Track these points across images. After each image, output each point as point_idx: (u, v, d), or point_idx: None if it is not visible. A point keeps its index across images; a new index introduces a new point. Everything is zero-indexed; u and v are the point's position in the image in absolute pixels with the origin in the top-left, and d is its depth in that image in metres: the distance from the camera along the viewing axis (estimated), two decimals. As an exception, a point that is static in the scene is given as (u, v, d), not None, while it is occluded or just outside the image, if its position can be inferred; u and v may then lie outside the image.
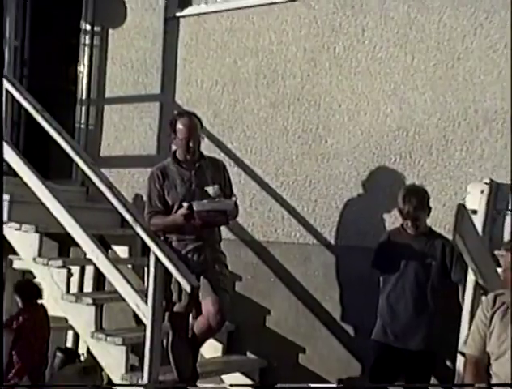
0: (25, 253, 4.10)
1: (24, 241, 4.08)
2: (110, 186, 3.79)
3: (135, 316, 3.73)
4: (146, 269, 3.77)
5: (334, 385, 3.88)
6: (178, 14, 4.71)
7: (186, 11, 4.69)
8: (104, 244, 4.34)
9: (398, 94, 3.96)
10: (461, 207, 3.06)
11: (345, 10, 4.12)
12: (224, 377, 4.25)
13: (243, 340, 4.33)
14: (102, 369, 3.99)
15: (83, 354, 4.56)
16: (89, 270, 4.58)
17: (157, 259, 3.47)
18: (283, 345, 4.21)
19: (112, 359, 3.77)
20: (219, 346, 4.31)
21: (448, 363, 3.57)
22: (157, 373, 3.53)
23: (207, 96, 4.57)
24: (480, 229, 3.22)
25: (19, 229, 4.07)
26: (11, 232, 4.08)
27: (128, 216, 3.64)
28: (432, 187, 3.75)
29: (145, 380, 3.51)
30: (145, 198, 3.68)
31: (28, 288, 4.32)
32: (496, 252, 3.11)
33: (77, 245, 3.88)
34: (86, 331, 3.87)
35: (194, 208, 3.39)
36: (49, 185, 3.99)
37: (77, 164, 4.04)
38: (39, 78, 5.25)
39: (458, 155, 3.79)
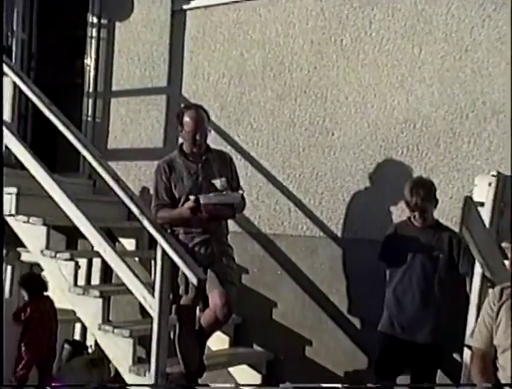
0: (33, 245, 4.11)
1: (32, 234, 4.09)
2: (117, 179, 3.79)
3: (142, 308, 3.75)
4: (153, 262, 3.78)
5: (339, 385, 3.88)
6: (185, 6, 4.70)
7: (193, 4, 4.68)
8: (111, 237, 4.36)
9: (406, 86, 3.94)
10: (468, 200, 3.05)
11: (352, 2, 4.10)
12: (230, 369, 4.26)
13: (250, 333, 4.34)
14: (109, 361, 4.01)
15: (90, 346, 4.58)
16: (96, 262, 4.60)
17: (164, 252, 3.48)
18: (289, 338, 4.22)
19: (119, 351, 3.78)
20: (226, 338, 4.33)
21: (455, 356, 3.56)
22: (164, 365, 3.55)
23: (214, 89, 4.56)
24: (487, 222, 3.21)
25: (27, 222, 4.08)
26: (19, 225, 4.10)
27: (135, 209, 3.64)
28: (439, 180, 3.74)
29: (152, 372, 3.52)
30: (152, 191, 3.68)
31: (34, 281, 4.34)
32: (503, 244, 3.10)
33: (84, 237, 3.89)
34: (93, 323, 3.89)
35: (201, 201, 3.39)
36: (56, 178, 4.00)
37: (84, 157, 4.04)
38: (46, 71, 5.26)
39: (466, 147, 3.77)
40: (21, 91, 4.37)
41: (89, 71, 5.02)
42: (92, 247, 3.91)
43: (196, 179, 3.55)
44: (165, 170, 3.57)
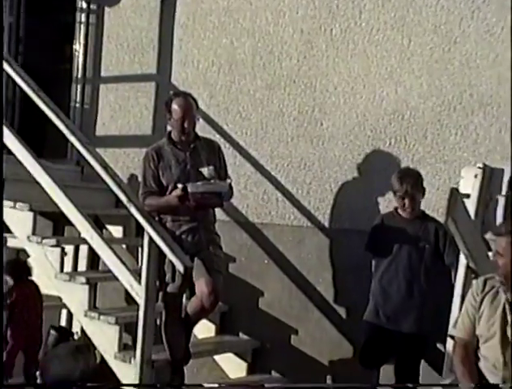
0: (19, 231, 4.09)
1: (18, 220, 4.07)
2: (105, 166, 3.78)
3: (127, 295, 3.75)
4: (140, 249, 3.78)
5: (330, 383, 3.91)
6: (175, -7, 4.68)
7: (183, -9, 4.65)
8: (98, 224, 4.35)
9: (395, 77, 3.95)
10: (454, 191, 3.07)
11: (343, -9, 4.10)
12: (216, 357, 4.28)
13: (236, 321, 4.35)
14: (95, 348, 4.01)
15: (76, 333, 4.58)
16: (83, 249, 4.58)
17: (151, 240, 3.48)
18: (275, 326, 4.24)
19: (105, 338, 3.78)
20: (212, 326, 4.34)
21: (439, 346, 3.59)
22: (150, 352, 3.55)
23: (203, 77, 4.55)
24: (472, 213, 3.24)
25: (14, 207, 4.06)
26: (5, 210, 4.07)
27: (122, 196, 3.64)
28: (426, 171, 3.76)
29: (138, 359, 3.53)
30: (140, 179, 3.67)
31: (18, 267, 4.33)
32: (487, 236, 3.13)
33: (71, 224, 3.88)
34: (79, 309, 3.89)
35: (189, 190, 3.39)
36: (43, 163, 3.97)
37: (72, 144, 4.02)
38: (34, 55, 5.21)
39: (453, 139, 3.79)
40: (8, 76, 4.34)
41: (78, 57, 4.98)
42: (79, 234, 3.90)
43: (184, 167, 3.55)
44: (153, 158, 3.56)
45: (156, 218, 3.57)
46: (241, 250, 4.35)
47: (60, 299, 4.08)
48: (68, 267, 4.44)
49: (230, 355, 4.27)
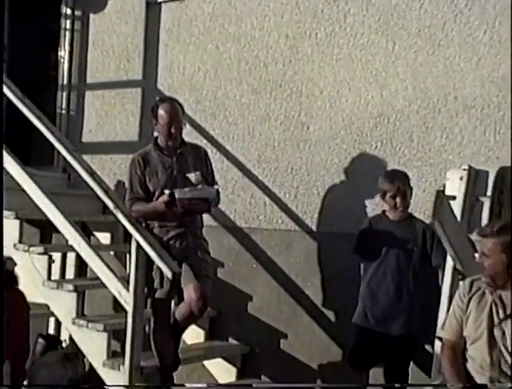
0: (5, 239, 4.06)
1: (4, 228, 4.04)
2: (92, 173, 3.77)
3: (115, 302, 3.73)
4: (128, 256, 3.77)
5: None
6: (160, -1, 4.69)
7: (168, -4, 4.66)
8: (85, 230, 4.34)
9: (380, 81, 3.98)
10: (440, 194, 3.09)
11: (327, -4, 4.12)
12: (205, 363, 4.27)
13: (225, 326, 4.35)
14: (84, 356, 3.99)
15: (65, 341, 4.55)
16: (71, 256, 4.56)
17: (139, 246, 3.47)
18: (264, 331, 4.24)
19: (93, 345, 3.77)
20: (201, 332, 4.33)
21: (427, 348, 3.61)
22: (139, 359, 3.54)
23: (189, 83, 4.55)
24: (458, 215, 3.26)
25: (0, 216, 4.04)
26: (-9, 219, 4.06)
27: (109, 203, 3.63)
28: (412, 173, 3.77)
29: (126, 366, 3.52)
30: (126, 185, 3.67)
31: (4, 276, 4.30)
32: (472, 237, 3.15)
33: (58, 231, 3.86)
34: (67, 317, 3.87)
35: (176, 196, 3.38)
36: (29, 171, 3.96)
37: (58, 151, 4.00)
38: (19, 63, 5.19)
39: (438, 141, 3.82)
40: (-7, 84, 4.31)
41: (63, 64, 4.97)
42: (67, 241, 3.89)
43: (171, 173, 3.55)
44: (140, 164, 3.55)
45: (143, 224, 3.56)
46: (229, 254, 4.35)
47: (48, 307, 4.05)
48: (56, 275, 4.41)
49: (219, 360, 4.26)
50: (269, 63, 4.30)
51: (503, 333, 2.61)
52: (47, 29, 5.45)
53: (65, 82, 4.96)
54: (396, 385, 3.53)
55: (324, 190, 4.13)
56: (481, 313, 2.66)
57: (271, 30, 4.29)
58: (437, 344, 3.02)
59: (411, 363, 3.61)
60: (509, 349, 2.58)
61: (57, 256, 4.45)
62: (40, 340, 4.46)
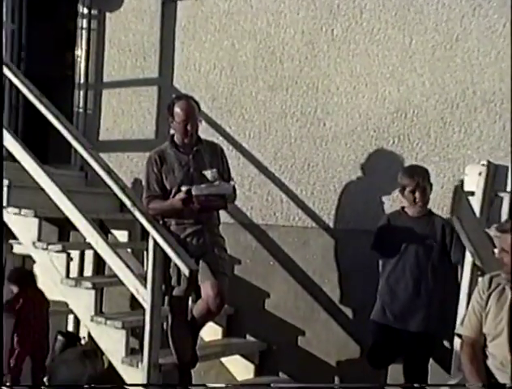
0: (24, 237, 4.10)
1: (24, 226, 4.08)
2: (109, 171, 3.78)
3: (132, 300, 3.74)
4: (145, 253, 3.78)
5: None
6: (175, -4, 4.69)
7: (184, -6, 4.66)
8: (103, 228, 4.36)
9: (397, 76, 3.95)
10: (458, 189, 3.06)
11: (343, -9, 4.10)
12: (223, 360, 4.28)
13: (242, 323, 4.35)
14: (103, 353, 4.01)
15: (83, 338, 4.59)
16: (89, 254, 4.59)
17: (156, 243, 3.48)
18: (282, 328, 4.23)
19: (112, 342, 3.79)
20: (219, 329, 4.34)
21: (447, 344, 3.58)
22: (157, 356, 3.55)
23: (205, 80, 4.55)
24: (477, 211, 3.23)
25: (19, 214, 4.07)
26: (11, 217, 4.09)
27: (127, 201, 3.64)
28: (430, 169, 3.73)
29: (145, 363, 3.53)
30: (143, 183, 3.68)
31: (23, 275, 4.34)
32: (490, 233, 3.11)
33: (77, 229, 3.89)
34: (86, 314, 3.89)
35: (193, 193, 3.38)
36: (47, 169, 3.98)
37: (76, 149, 4.03)
38: (36, 62, 5.23)
39: (457, 137, 3.78)
40: (12, 83, 4.35)
41: (80, 62, 5.00)
42: (84, 239, 3.91)
43: (187, 170, 3.55)
44: (156, 161, 3.56)
45: (160, 222, 3.57)
46: (246, 251, 4.35)
47: (66, 304, 4.08)
48: (74, 273, 4.44)
49: (237, 357, 4.27)
50: (285, 60, 4.29)
51: (524, 329, 2.58)
52: (64, 28, 5.49)
53: (82, 80, 4.98)
54: (415, 385, 3.51)
55: (341, 186, 4.11)
56: (501, 309, 2.63)
57: (287, 26, 4.28)
58: (457, 340, 2.99)
59: (431, 360, 3.58)
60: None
61: (75, 254, 4.49)
62: (60, 337, 4.51)
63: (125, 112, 4.85)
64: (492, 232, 3.05)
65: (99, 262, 4.48)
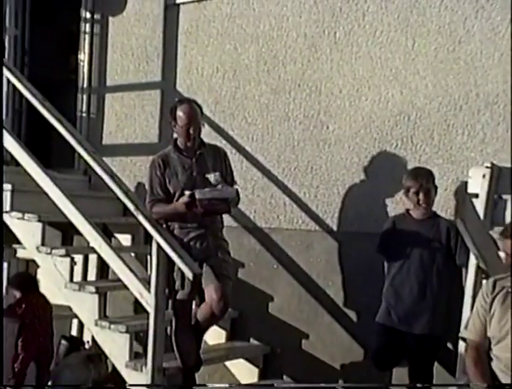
0: (28, 242, 4.11)
1: (27, 230, 4.09)
2: (112, 175, 3.79)
3: (135, 304, 3.74)
4: (149, 257, 3.78)
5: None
6: (178, 1, 4.69)
7: (186, -2, 4.67)
8: (106, 232, 4.36)
9: (400, 79, 3.94)
10: (461, 191, 3.06)
11: (345, -6, 4.10)
12: (227, 363, 4.27)
13: (246, 327, 4.34)
14: (107, 357, 4.02)
15: (87, 342, 4.59)
16: (92, 258, 4.60)
17: (159, 247, 3.48)
18: (286, 331, 4.22)
19: (116, 346, 3.79)
20: (223, 333, 4.34)
21: (452, 347, 3.57)
22: (161, 360, 3.55)
23: (208, 84, 4.56)
24: (481, 213, 3.22)
25: (22, 218, 4.08)
26: (14, 222, 4.10)
27: (130, 205, 3.64)
28: (433, 172, 3.73)
29: (149, 367, 3.53)
30: (147, 187, 3.68)
31: (26, 280, 4.35)
32: (494, 235, 3.10)
33: (80, 233, 3.89)
34: (90, 319, 3.89)
35: (196, 196, 3.38)
36: (50, 174, 3.99)
37: (79, 153, 4.03)
38: (40, 66, 5.25)
39: (460, 139, 3.78)
40: (15, 88, 4.36)
41: (83, 67, 5.01)
42: (88, 243, 3.91)
43: (190, 174, 3.55)
44: (160, 165, 3.56)
45: (164, 225, 3.57)
46: (250, 255, 4.35)
47: (70, 309, 4.08)
48: (78, 277, 4.45)
49: (241, 361, 4.26)
50: (287, 63, 4.29)
51: (529, 332, 2.57)
52: (67, 33, 5.51)
53: (85, 84, 5.00)
54: (418, 385, 3.50)
55: (344, 189, 4.11)
56: (506, 312, 2.62)
57: (290, 30, 4.28)
58: (461, 344, 2.98)
59: (436, 363, 3.57)
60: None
61: (78, 258, 4.50)
62: (63, 342, 4.52)
63: (128, 116, 4.86)
64: (495, 234, 3.04)
65: (102, 267, 4.48)
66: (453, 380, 3.28)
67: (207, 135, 3.97)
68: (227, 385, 4.24)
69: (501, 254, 2.78)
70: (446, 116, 3.81)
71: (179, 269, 3.45)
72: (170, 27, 4.71)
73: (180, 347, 3.60)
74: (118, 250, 3.92)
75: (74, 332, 4.84)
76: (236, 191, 3.52)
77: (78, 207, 3.82)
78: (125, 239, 4.67)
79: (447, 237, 3.51)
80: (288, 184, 4.28)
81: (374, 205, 3.99)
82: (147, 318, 3.54)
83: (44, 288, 4.37)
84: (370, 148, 4.03)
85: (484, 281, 2.84)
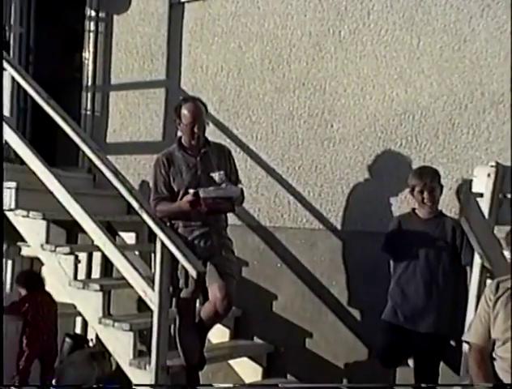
0: (33, 240, 4.12)
1: (32, 228, 4.10)
2: (116, 173, 3.79)
3: (139, 302, 3.74)
4: (153, 255, 3.79)
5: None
6: (183, -1, 4.70)
7: (191, -4, 4.67)
8: (111, 230, 4.37)
9: (404, 77, 3.93)
10: (466, 190, 3.05)
11: (350, -7, 4.09)
12: (231, 362, 4.27)
13: (250, 325, 4.34)
14: (110, 355, 4.02)
15: (91, 340, 4.59)
16: (96, 256, 4.61)
17: (163, 245, 3.48)
18: (289, 330, 4.22)
19: (120, 344, 3.79)
20: (227, 331, 4.34)
21: (457, 346, 3.56)
22: (165, 358, 3.55)
23: (212, 82, 4.55)
24: (486, 213, 3.20)
25: (27, 216, 4.08)
26: (19, 220, 4.11)
27: (134, 203, 3.64)
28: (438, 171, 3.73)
29: (153, 365, 3.53)
30: (151, 185, 3.68)
31: (31, 278, 4.36)
32: (498, 235, 3.09)
33: (84, 231, 3.89)
34: (94, 317, 3.89)
35: (201, 195, 3.38)
36: (55, 172, 4.00)
37: (83, 151, 4.04)
38: (44, 65, 5.25)
39: (465, 138, 3.77)
40: (20, 86, 4.37)
41: (87, 65, 5.02)
42: (92, 241, 3.91)
43: (195, 172, 3.55)
44: (164, 164, 3.56)
45: (168, 224, 3.57)
46: (254, 253, 4.35)
47: (74, 307, 4.09)
48: (82, 275, 4.46)
49: (245, 359, 4.26)
50: (292, 61, 4.28)
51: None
52: (71, 31, 5.52)
53: (89, 83, 5.00)
54: (423, 385, 3.49)
55: (348, 188, 4.10)
56: (510, 314, 2.60)
57: (294, 28, 4.28)
58: (465, 345, 2.97)
59: (442, 363, 3.56)
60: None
61: (83, 256, 4.50)
62: (67, 340, 4.53)
63: (132, 114, 4.86)
64: (500, 234, 3.03)
65: (106, 265, 4.49)
66: (458, 379, 3.26)
67: (212, 134, 3.97)
68: (231, 385, 4.24)
69: (507, 254, 2.77)
70: (451, 115, 3.81)
71: (183, 267, 3.46)
72: (175, 26, 4.71)
73: (183, 345, 3.60)
74: (122, 248, 3.92)
75: (78, 330, 4.85)
76: (241, 190, 3.51)
77: (82, 205, 3.82)
78: (129, 237, 4.67)
79: (453, 236, 3.50)
80: (293, 182, 4.27)
81: (378, 204, 3.99)
82: (151, 317, 3.55)
83: (49, 285, 4.38)
84: (375, 147, 4.02)
85: (488, 283, 2.83)
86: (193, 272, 3.38)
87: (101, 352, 4.27)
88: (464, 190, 3.20)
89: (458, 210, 3.57)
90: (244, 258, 4.30)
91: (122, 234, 4.69)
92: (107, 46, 4.95)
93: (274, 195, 4.34)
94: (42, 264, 4.36)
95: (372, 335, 3.75)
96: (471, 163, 3.71)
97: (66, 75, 5.44)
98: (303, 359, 4.18)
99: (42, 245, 4.05)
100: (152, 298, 3.53)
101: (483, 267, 3.17)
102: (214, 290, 3.43)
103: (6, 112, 4.55)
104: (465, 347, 3.02)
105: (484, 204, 3.21)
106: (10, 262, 4.94)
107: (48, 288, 4.38)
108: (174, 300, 3.59)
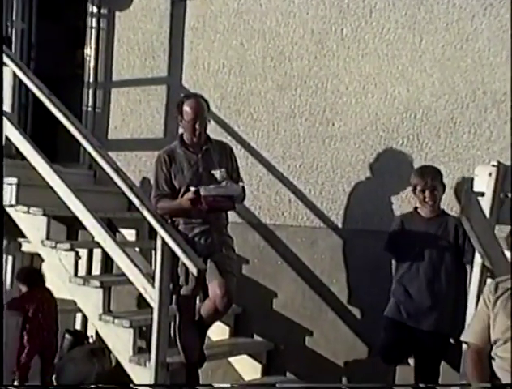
0: (33, 236, 4.12)
1: (32, 224, 4.10)
2: (117, 170, 3.79)
3: (139, 299, 3.73)
4: (153, 252, 3.79)
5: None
6: (185, -4, 4.69)
7: (193, -7, 4.66)
8: (111, 227, 4.36)
9: (406, 76, 3.93)
10: (466, 188, 3.04)
11: (353, -9, 4.08)
12: (230, 359, 4.28)
13: (250, 323, 4.34)
14: (110, 352, 4.02)
15: (91, 336, 4.59)
16: (97, 253, 4.60)
17: (164, 242, 3.48)
18: (289, 328, 4.22)
19: (119, 341, 3.79)
20: (227, 329, 4.34)
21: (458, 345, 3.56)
22: (164, 355, 3.55)
23: (214, 79, 4.55)
24: (487, 212, 3.20)
25: (27, 212, 4.08)
26: (19, 215, 4.11)
27: (135, 200, 3.65)
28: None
29: (152, 362, 3.53)
30: (152, 182, 3.68)
31: (31, 274, 4.36)
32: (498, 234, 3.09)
33: (85, 228, 3.89)
34: (94, 313, 3.90)
35: (201, 193, 3.38)
36: (56, 168, 4.00)
37: (84, 148, 4.04)
38: (46, 61, 5.25)
39: (466, 137, 3.76)
40: (21, 82, 4.36)
41: (89, 61, 5.01)
42: (93, 237, 3.91)
43: (196, 170, 3.55)
44: (165, 161, 3.56)
45: (169, 221, 3.57)
46: (254, 251, 4.35)
47: (74, 303, 4.09)
48: (82, 271, 4.46)
49: (245, 357, 4.26)
50: (294, 59, 4.28)
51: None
52: (73, 27, 5.51)
53: (91, 79, 4.99)
54: (421, 385, 3.49)
55: (349, 186, 4.10)
56: (509, 314, 2.60)
57: (296, 26, 4.27)
58: (464, 345, 2.96)
59: (443, 362, 3.55)
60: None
61: (83, 252, 4.50)
62: (67, 336, 4.53)
63: (133, 111, 4.85)
64: (501, 233, 3.03)
65: (107, 261, 4.49)
66: (458, 378, 3.26)
67: (213, 131, 3.96)
68: (229, 385, 4.24)
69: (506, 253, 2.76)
70: (453, 114, 3.80)
71: (183, 264, 3.46)
72: (177, 23, 4.70)
73: (183, 342, 3.60)
74: (123, 244, 3.93)
75: (78, 326, 4.85)
76: (242, 188, 3.52)
77: (83, 201, 3.82)
78: (129, 234, 4.67)
79: (455, 234, 3.50)
80: (293, 180, 4.27)
81: (380, 202, 3.99)
82: (151, 313, 3.55)
83: (49, 282, 4.38)
84: (376, 146, 4.02)
85: (487, 283, 2.82)
86: (193, 269, 3.38)
87: (101, 349, 4.27)
88: (465, 189, 3.20)
89: (459, 209, 3.56)
90: (244, 256, 4.30)
91: (123, 231, 4.68)
92: (109, 43, 4.94)
93: (275, 193, 4.33)
94: (42, 260, 4.36)
95: (372, 333, 3.75)
96: (472, 162, 3.71)
97: (67, 71, 5.43)
98: (303, 357, 4.18)
99: (42, 242, 4.05)
100: (152, 295, 3.53)
101: (483, 266, 3.16)
102: (214, 287, 3.44)
103: (8, 107, 4.54)
104: (465, 346, 3.02)
105: (485, 203, 3.21)
106: (10, 259, 4.94)
107: (48, 284, 4.38)
108: (174, 297, 3.59)
